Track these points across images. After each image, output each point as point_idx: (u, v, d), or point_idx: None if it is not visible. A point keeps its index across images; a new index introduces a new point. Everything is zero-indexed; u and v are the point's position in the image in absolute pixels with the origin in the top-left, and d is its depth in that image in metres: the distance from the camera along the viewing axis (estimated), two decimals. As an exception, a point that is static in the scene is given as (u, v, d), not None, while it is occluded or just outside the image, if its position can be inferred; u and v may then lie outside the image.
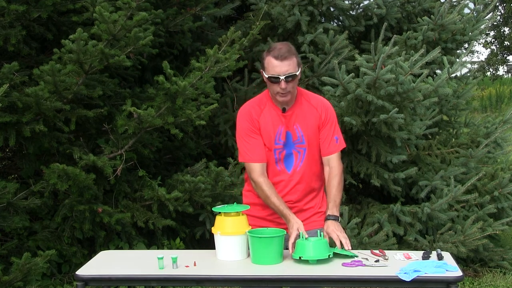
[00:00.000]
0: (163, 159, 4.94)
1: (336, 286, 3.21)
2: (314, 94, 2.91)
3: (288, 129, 2.76)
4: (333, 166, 2.80)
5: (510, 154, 6.73)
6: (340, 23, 5.53)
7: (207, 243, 4.66)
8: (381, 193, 5.11)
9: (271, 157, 2.77)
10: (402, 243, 4.58)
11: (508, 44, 27.41)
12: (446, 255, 2.62)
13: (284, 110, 2.76)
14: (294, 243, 2.58)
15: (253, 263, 2.55)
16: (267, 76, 2.68)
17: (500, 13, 26.20)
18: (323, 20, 5.23)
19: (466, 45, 5.47)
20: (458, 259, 4.56)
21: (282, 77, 2.63)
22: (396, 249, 4.31)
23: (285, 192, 2.78)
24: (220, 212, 2.66)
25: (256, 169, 2.74)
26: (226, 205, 2.76)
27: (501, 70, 28.50)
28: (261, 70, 2.76)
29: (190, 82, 4.15)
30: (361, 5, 5.36)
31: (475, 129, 5.30)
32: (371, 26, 5.35)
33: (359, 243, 4.36)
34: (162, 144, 4.67)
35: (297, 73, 2.69)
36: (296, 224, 2.63)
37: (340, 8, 5.15)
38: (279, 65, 2.63)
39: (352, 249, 2.63)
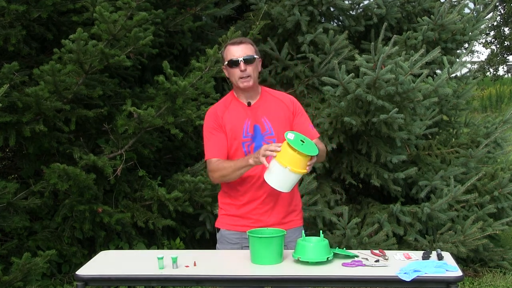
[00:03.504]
0: (163, 159, 4.94)
1: (336, 286, 3.21)
2: (277, 90, 3.00)
3: (255, 122, 2.80)
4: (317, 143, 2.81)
5: (510, 154, 6.73)
6: (340, 23, 5.53)
7: (207, 243, 4.66)
8: (381, 193, 5.11)
9: (240, 150, 2.79)
10: (402, 243, 4.58)
11: (508, 44, 27.42)
12: (446, 255, 2.62)
13: (249, 104, 2.82)
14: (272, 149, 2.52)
15: (253, 263, 2.55)
16: (226, 62, 2.77)
17: (500, 13, 26.20)
18: (323, 20, 5.23)
19: (466, 45, 5.48)
20: (458, 259, 4.56)
21: (240, 59, 2.73)
22: (396, 249, 4.31)
23: (258, 184, 2.78)
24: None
25: (213, 162, 2.78)
26: (301, 139, 2.58)
27: (501, 70, 28.52)
28: (223, 67, 2.84)
29: (190, 82, 4.16)
30: (361, 5, 5.36)
31: (475, 129, 5.31)
32: (371, 26, 5.35)
33: (359, 243, 4.36)
34: (162, 144, 4.67)
35: (256, 57, 2.78)
36: (258, 152, 2.59)
37: (340, 8, 5.15)
38: (236, 49, 2.76)
39: (352, 249, 2.63)
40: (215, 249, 2.92)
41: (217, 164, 2.76)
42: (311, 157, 2.55)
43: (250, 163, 2.63)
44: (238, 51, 2.75)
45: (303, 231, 2.68)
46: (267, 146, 2.56)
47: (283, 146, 2.55)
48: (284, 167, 2.51)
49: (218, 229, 2.92)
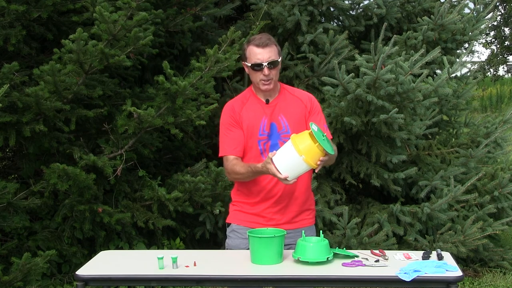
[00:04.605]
0: (163, 159, 4.94)
1: (336, 286, 3.21)
2: (296, 88, 2.99)
3: (272, 120, 2.80)
4: None
5: (510, 154, 6.73)
6: (340, 23, 5.53)
7: (207, 243, 4.67)
8: (381, 193, 5.11)
9: (255, 148, 2.79)
10: (402, 243, 4.58)
11: (509, 44, 27.39)
12: (446, 255, 2.62)
13: (267, 101, 2.81)
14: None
15: (253, 263, 2.56)
16: (249, 65, 2.74)
17: (500, 13, 26.18)
18: (323, 20, 5.23)
19: (466, 45, 5.47)
20: (458, 259, 4.56)
21: (265, 64, 2.70)
22: (396, 249, 4.31)
23: (273, 183, 2.78)
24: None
25: (229, 160, 2.78)
26: (322, 134, 2.60)
27: (501, 70, 28.49)
28: (243, 62, 2.81)
29: (190, 82, 4.15)
30: (361, 5, 5.36)
31: (475, 129, 5.30)
32: (371, 26, 5.35)
33: (359, 243, 4.36)
34: (162, 144, 4.66)
35: (279, 60, 2.76)
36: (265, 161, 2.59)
37: (340, 8, 5.15)
38: (261, 52, 2.72)
39: (352, 249, 2.63)
40: (215, 249, 2.93)
41: (232, 166, 2.75)
42: (325, 154, 2.55)
43: (264, 171, 2.62)
44: (264, 54, 2.71)
45: (303, 232, 2.67)
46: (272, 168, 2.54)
47: (303, 134, 2.56)
48: (300, 155, 2.51)
49: (229, 224, 2.92)
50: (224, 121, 2.84)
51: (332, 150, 2.58)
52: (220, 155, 2.85)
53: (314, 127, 2.57)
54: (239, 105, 2.83)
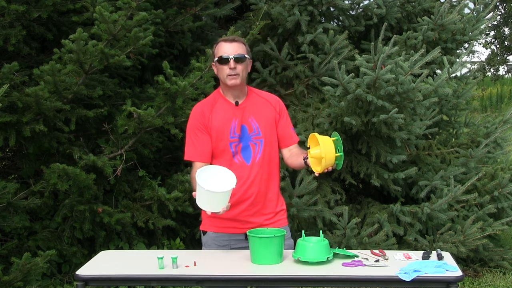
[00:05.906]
0: (163, 159, 4.94)
1: (336, 286, 3.21)
2: (263, 90, 3.01)
3: (243, 122, 2.79)
4: (297, 149, 2.88)
5: (510, 154, 6.73)
6: (340, 23, 5.53)
7: (207, 243, 4.66)
8: (381, 193, 5.11)
9: (227, 151, 2.77)
10: (402, 243, 4.59)
11: (509, 44, 27.39)
12: (446, 255, 2.62)
13: (237, 103, 2.81)
14: None
15: (253, 263, 2.56)
16: (216, 59, 2.76)
17: (500, 13, 26.18)
18: (323, 20, 5.23)
19: (466, 45, 5.47)
20: (458, 259, 4.56)
21: (231, 56, 2.72)
22: (396, 249, 4.31)
23: (247, 185, 2.77)
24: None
25: (196, 167, 2.76)
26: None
27: (502, 70, 28.48)
28: (212, 64, 2.84)
29: (190, 82, 4.15)
30: (361, 5, 5.36)
31: (475, 129, 5.30)
32: (371, 26, 5.35)
33: (359, 243, 4.36)
34: (162, 144, 4.66)
35: (247, 57, 2.78)
36: None
37: (340, 8, 5.15)
38: (229, 47, 2.75)
39: (352, 249, 2.63)
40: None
41: (193, 179, 2.74)
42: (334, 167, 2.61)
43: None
44: (230, 48, 2.74)
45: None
46: None
47: (329, 139, 2.57)
48: (322, 155, 2.54)
49: (205, 232, 2.88)
50: (192, 124, 2.82)
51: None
52: (186, 158, 2.83)
53: (338, 136, 2.60)
54: (208, 108, 2.81)
